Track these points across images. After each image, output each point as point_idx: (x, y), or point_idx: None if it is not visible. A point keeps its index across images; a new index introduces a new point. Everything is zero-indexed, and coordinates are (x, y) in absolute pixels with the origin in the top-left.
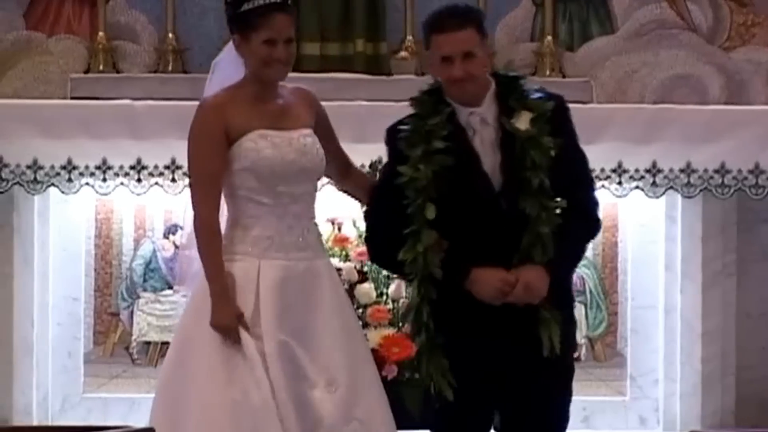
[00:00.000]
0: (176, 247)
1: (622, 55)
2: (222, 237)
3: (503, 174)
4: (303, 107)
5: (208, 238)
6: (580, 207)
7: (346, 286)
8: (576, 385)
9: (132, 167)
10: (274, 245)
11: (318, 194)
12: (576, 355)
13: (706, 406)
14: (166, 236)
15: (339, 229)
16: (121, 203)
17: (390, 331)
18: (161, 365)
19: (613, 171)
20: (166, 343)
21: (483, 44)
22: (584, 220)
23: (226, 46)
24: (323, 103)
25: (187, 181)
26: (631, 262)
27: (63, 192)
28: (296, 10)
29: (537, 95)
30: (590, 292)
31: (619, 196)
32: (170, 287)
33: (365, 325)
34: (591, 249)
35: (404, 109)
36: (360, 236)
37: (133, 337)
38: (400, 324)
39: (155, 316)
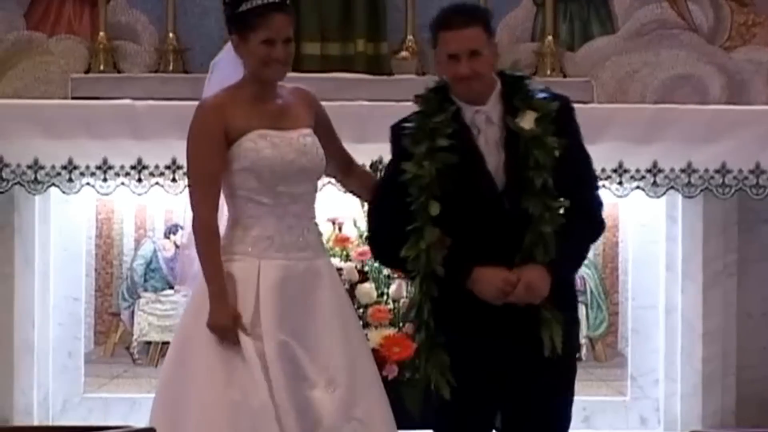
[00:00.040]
0: (177, 247)
1: (622, 55)
2: (221, 237)
3: (507, 173)
4: (302, 107)
5: (207, 238)
6: (583, 207)
7: (347, 286)
8: (576, 385)
9: (133, 167)
10: (274, 245)
11: (318, 194)
12: (577, 355)
13: (707, 406)
14: (166, 236)
15: (340, 229)
16: (121, 203)
17: (391, 331)
18: (162, 365)
19: (614, 171)
20: (166, 343)
21: (490, 43)
22: (588, 221)
23: (225, 46)
24: (324, 103)
25: (187, 180)
26: (632, 262)
27: (64, 192)
28: (294, 9)
29: (542, 95)
30: (591, 292)
31: (620, 196)
32: (171, 287)
33: (366, 325)
34: (591, 249)
35: (405, 109)
36: (361, 236)
37: (134, 337)
38: (401, 324)
39: (156, 316)
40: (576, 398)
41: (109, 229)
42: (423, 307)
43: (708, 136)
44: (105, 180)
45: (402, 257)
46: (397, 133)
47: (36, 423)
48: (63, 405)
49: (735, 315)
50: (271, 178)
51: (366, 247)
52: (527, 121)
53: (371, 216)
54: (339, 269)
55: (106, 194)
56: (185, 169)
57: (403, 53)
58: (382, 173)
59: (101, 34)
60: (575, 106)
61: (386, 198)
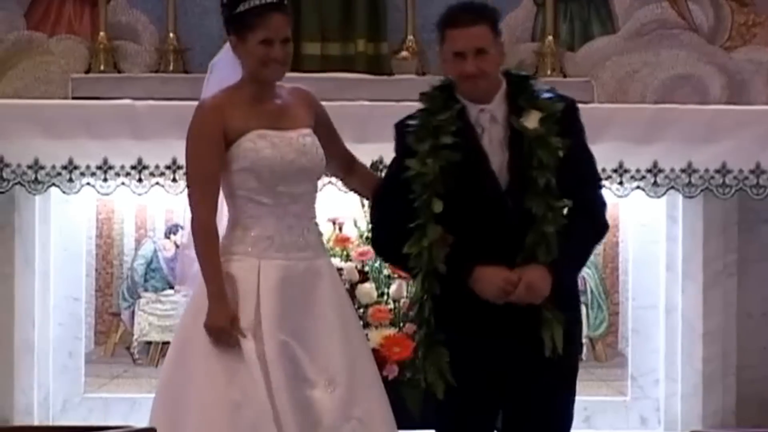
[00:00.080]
0: (177, 246)
1: (623, 55)
2: (221, 238)
3: (510, 172)
4: (302, 107)
5: (206, 239)
6: (586, 208)
7: (347, 286)
8: (577, 385)
9: (133, 167)
10: (274, 245)
11: (319, 194)
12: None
13: (707, 406)
14: (167, 236)
15: (340, 229)
16: (122, 203)
17: (391, 331)
18: (162, 365)
19: (614, 171)
20: (167, 343)
21: (496, 42)
22: (591, 222)
23: (224, 47)
24: (324, 103)
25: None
26: (632, 262)
27: (64, 192)
28: (293, 9)
29: (547, 95)
30: (591, 292)
31: (620, 196)
32: (171, 287)
33: (366, 325)
34: None
35: (405, 109)
36: (361, 236)
37: (134, 337)
38: (401, 324)
39: (156, 315)
40: (576, 398)
41: (109, 229)
42: (424, 304)
43: (708, 136)
44: (105, 180)
45: (404, 254)
46: (401, 130)
47: (36, 423)
48: (63, 405)
49: (735, 315)
50: (270, 178)
51: (366, 247)
52: (531, 121)
53: (374, 212)
54: (339, 269)
55: (107, 194)
56: (185, 169)
57: (404, 53)
58: (383, 173)
59: (101, 34)
60: None
61: (389, 195)
